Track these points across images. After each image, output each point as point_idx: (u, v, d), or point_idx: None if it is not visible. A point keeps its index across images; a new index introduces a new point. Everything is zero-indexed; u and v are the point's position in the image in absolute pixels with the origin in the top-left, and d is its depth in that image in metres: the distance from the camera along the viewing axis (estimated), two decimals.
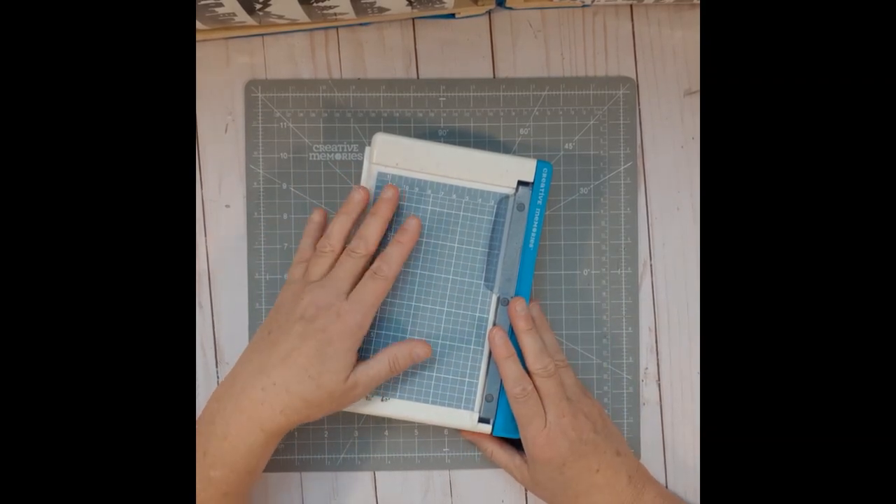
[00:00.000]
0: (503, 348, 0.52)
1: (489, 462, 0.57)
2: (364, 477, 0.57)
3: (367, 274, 0.50)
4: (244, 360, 0.50)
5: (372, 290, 0.49)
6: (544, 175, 0.54)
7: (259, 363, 0.48)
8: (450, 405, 0.54)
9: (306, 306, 0.48)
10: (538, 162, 0.54)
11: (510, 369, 0.52)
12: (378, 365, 0.50)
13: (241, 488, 0.49)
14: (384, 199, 0.51)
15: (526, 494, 0.58)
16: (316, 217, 0.54)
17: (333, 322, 0.48)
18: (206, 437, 0.48)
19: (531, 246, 0.54)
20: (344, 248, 0.51)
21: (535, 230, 0.54)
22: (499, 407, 0.54)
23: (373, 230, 0.51)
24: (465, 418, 0.54)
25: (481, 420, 0.54)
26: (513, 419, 0.53)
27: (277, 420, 0.48)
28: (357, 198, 0.52)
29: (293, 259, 0.53)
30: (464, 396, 0.54)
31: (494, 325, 0.54)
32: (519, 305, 0.53)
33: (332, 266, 0.50)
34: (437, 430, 0.57)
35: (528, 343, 0.52)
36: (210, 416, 0.48)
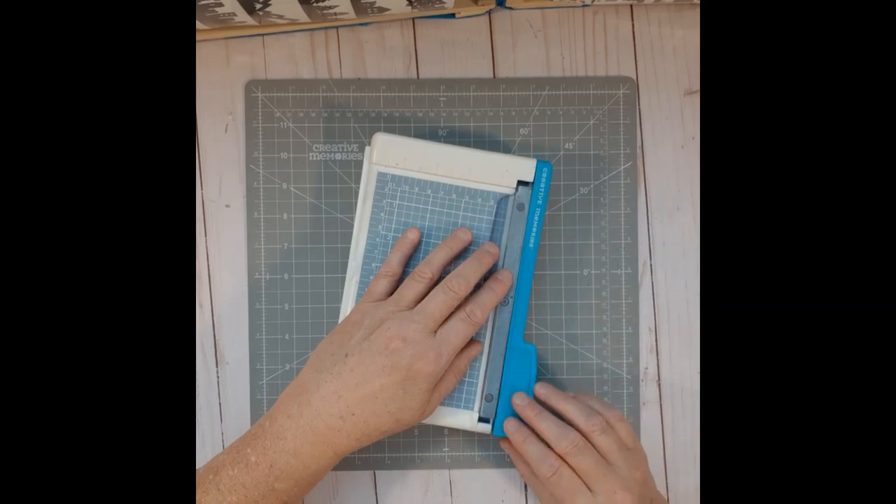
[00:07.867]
0: (517, 434, 0.52)
1: (489, 462, 0.57)
2: (364, 476, 0.57)
3: (460, 316, 0.50)
4: (317, 378, 0.49)
5: (460, 334, 0.50)
6: (544, 174, 0.54)
7: (336, 387, 0.48)
8: (449, 405, 0.54)
9: (391, 337, 0.48)
10: (538, 161, 0.54)
11: (531, 452, 0.51)
12: (448, 384, 0.51)
13: (301, 497, 0.49)
14: (488, 252, 0.52)
15: (526, 494, 0.58)
16: (411, 235, 0.53)
17: (418, 360, 0.48)
18: (274, 451, 0.47)
19: (531, 245, 0.54)
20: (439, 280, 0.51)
21: (535, 230, 0.54)
22: (499, 407, 0.54)
23: (473, 272, 0.51)
24: (465, 418, 0.54)
25: (481, 420, 0.54)
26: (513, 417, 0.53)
27: (352, 446, 0.49)
28: (462, 236, 0.53)
29: (378, 271, 0.53)
30: (463, 396, 0.54)
31: (508, 417, 0.53)
32: (519, 399, 0.53)
33: (424, 294, 0.50)
34: (437, 430, 0.57)
35: (543, 429, 0.51)
36: (279, 430, 0.48)
